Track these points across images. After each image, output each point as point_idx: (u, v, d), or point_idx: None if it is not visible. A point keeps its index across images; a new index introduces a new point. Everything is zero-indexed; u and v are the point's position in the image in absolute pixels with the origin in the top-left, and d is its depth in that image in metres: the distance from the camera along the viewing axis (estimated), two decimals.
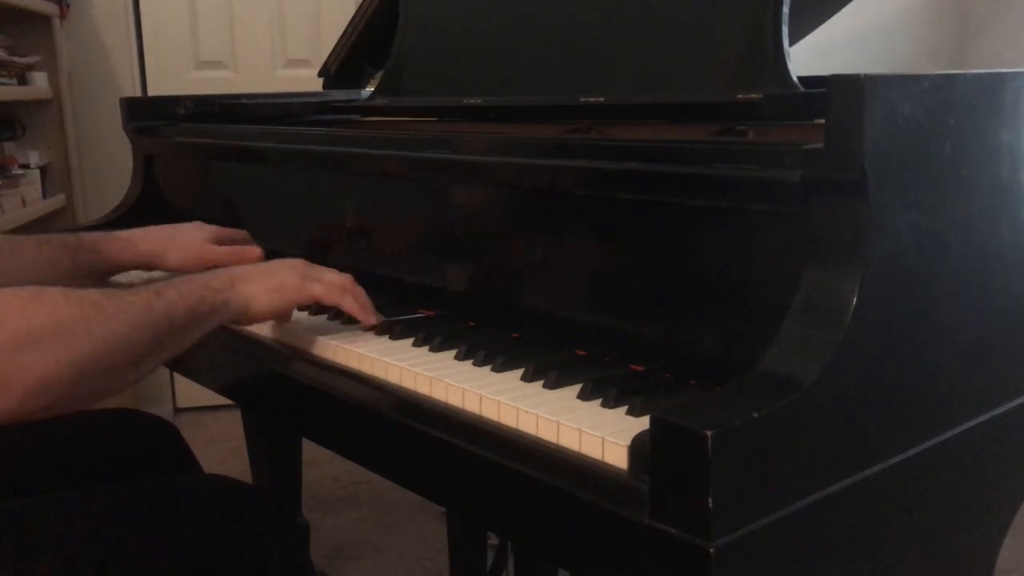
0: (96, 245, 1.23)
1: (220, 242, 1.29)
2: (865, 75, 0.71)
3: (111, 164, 2.80)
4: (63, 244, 1.20)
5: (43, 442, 1.19)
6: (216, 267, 1.21)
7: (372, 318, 1.07)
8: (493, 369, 0.92)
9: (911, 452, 0.80)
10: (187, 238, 1.27)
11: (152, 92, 2.99)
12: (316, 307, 1.14)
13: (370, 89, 1.70)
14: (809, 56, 1.35)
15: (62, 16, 2.82)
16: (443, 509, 1.96)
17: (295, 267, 1.05)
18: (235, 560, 1.03)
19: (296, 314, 1.12)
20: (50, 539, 0.95)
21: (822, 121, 0.75)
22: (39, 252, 1.17)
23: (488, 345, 0.96)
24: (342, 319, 1.12)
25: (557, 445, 0.78)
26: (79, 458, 1.21)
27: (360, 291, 1.08)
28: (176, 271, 1.22)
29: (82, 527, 0.97)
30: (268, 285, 1.02)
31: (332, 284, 1.05)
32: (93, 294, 0.87)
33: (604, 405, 0.81)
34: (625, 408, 0.80)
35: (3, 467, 1.14)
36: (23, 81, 2.60)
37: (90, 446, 1.22)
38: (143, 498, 1.07)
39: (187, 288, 0.95)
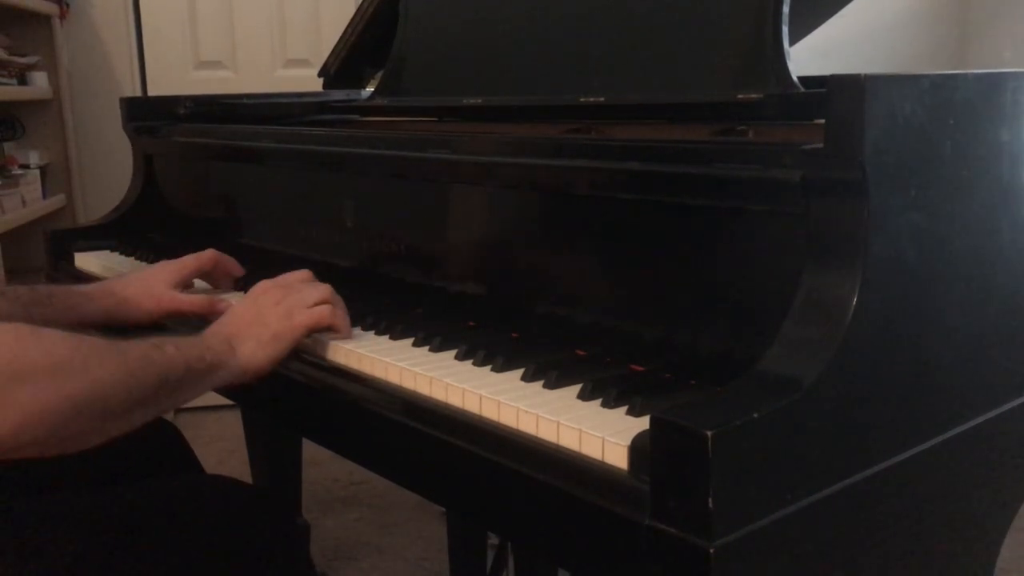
0: (50, 299, 1.20)
1: (185, 281, 1.29)
2: (865, 75, 0.71)
3: (111, 164, 2.80)
4: (16, 297, 1.18)
5: None
6: (183, 315, 1.23)
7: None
8: (493, 369, 0.92)
9: (911, 452, 0.80)
10: (151, 288, 1.26)
11: (152, 92, 2.99)
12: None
13: (370, 89, 1.70)
14: (809, 56, 1.35)
15: (62, 16, 2.82)
16: (443, 509, 1.96)
17: (278, 303, 1.04)
18: (236, 560, 1.03)
19: None
20: (51, 541, 0.95)
21: (822, 121, 0.75)
22: None
23: (488, 345, 0.96)
24: None
25: (557, 445, 0.78)
26: (79, 458, 1.20)
27: (339, 304, 1.08)
28: (140, 322, 1.23)
29: (83, 528, 0.97)
30: (263, 340, 1.02)
31: (319, 314, 1.05)
32: (92, 339, 0.88)
33: (604, 405, 0.81)
34: (625, 408, 0.80)
35: (3, 468, 1.14)
36: (23, 81, 2.60)
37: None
38: (144, 499, 1.07)
39: (186, 345, 0.96)
